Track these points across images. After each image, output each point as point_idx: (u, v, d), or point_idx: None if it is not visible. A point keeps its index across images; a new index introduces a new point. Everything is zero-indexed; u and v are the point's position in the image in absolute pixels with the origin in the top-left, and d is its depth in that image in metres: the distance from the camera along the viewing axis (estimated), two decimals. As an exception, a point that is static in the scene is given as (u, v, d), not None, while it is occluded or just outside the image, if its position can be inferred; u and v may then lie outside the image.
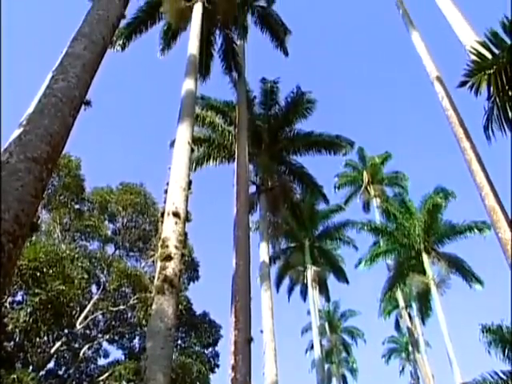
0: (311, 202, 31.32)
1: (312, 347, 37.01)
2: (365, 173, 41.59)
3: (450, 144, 16.67)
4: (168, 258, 10.24)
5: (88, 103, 7.93)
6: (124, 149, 72.68)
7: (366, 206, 42.42)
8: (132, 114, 71.81)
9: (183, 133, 13.74)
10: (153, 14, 22.67)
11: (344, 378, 53.11)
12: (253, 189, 24.34)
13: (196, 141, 23.31)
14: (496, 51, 6.99)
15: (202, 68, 21.97)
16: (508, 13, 6.94)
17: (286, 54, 25.28)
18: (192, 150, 14.23)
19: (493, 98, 7.25)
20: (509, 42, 6.90)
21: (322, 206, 33.22)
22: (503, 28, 6.87)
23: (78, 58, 7.75)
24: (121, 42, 22.61)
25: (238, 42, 24.10)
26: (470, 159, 14.82)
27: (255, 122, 25.56)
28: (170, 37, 23.50)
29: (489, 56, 7.05)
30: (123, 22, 14.54)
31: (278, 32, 24.54)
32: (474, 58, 7.25)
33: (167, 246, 10.53)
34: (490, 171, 14.41)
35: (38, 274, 19.62)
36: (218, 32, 23.48)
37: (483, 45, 7.11)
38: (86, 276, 23.18)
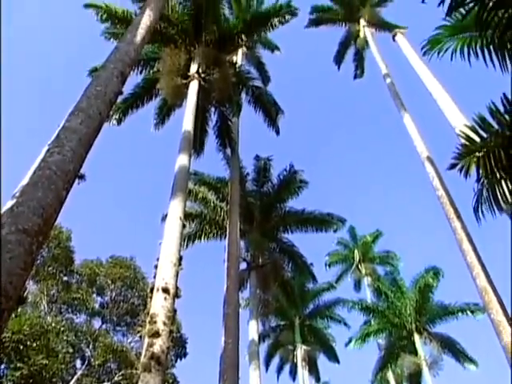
0: (302, 280, 31.06)
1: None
2: (356, 251, 41.56)
3: (442, 223, 16.83)
4: (156, 334, 10.06)
5: (82, 177, 8.02)
6: (116, 221, 72.57)
7: (358, 285, 42.13)
8: (125, 187, 72.19)
9: (175, 208, 13.82)
10: (149, 90, 23.19)
11: None
12: (243, 265, 24.29)
13: (188, 216, 23.43)
14: (484, 135, 7.18)
15: (196, 144, 22.34)
16: (494, 96, 7.21)
17: (278, 132, 25.76)
18: (184, 226, 14.29)
19: (482, 180, 7.37)
20: (496, 126, 7.08)
21: (313, 284, 32.93)
22: (490, 113, 7.08)
23: (74, 132, 7.86)
24: (117, 117, 23.03)
25: (233, 119, 24.63)
26: (460, 239, 14.91)
27: (247, 198, 25.80)
28: (165, 112, 24.00)
29: (477, 139, 7.22)
30: (120, 97, 14.85)
31: (270, 111, 25.06)
32: (463, 141, 7.42)
33: (155, 322, 10.37)
34: (481, 251, 14.50)
35: (22, 347, 19.17)
36: (213, 109, 24.00)
37: (472, 129, 7.31)
38: (70, 350, 22.71)
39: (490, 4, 6.63)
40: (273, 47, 30.99)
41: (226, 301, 18.27)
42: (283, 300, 30.46)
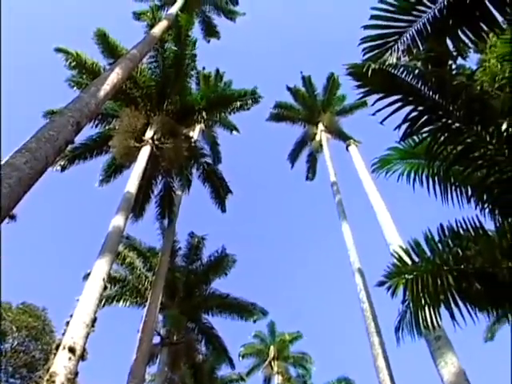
0: (213, 365, 30.21)
1: None
2: (272, 347, 40.97)
3: (362, 336, 16.93)
4: (51, 395, 9.47)
5: (13, 217, 7.75)
6: (35, 266, 69.55)
7: (267, 381, 41.18)
8: (56, 236, 69.69)
9: (100, 267, 13.47)
10: (101, 145, 23.12)
11: None
12: (157, 340, 23.50)
13: (111, 279, 22.79)
14: (416, 259, 7.37)
15: (136, 208, 22.13)
16: (432, 223, 7.52)
17: (224, 211, 25.93)
18: (105, 287, 13.88)
19: (407, 302, 7.48)
20: (428, 253, 7.29)
21: (224, 371, 32.01)
22: (425, 240, 7.31)
23: (16, 170, 7.69)
24: (62, 164, 22.66)
25: (178, 192, 24.64)
26: (376, 354, 15.01)
27: (174, 273, 25.46)
28: (113, 170, 23.84)
29: (409, 262, 7.40)
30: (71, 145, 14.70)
31: (219, 190, 25.28)
32: (395, 260, 7.59)
33: (53, 382, 9.79)
34: (394, 370, 14.59)
35: None
36: (160, 178, 24.01)
37: (405, 251, 7.51)
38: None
39: (442, 138, 6.96)
40: (232, 128, 31.63)
41: (132, 372, 17.52)
42: (190, 382, 29.40)
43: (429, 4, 6.70)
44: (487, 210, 7.41)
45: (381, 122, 6.83)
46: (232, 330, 39.62)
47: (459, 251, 7.26)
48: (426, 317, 7.41)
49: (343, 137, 31.68)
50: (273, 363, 40.36)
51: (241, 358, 40.55)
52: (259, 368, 41.13)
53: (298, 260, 71.45)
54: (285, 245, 71.52)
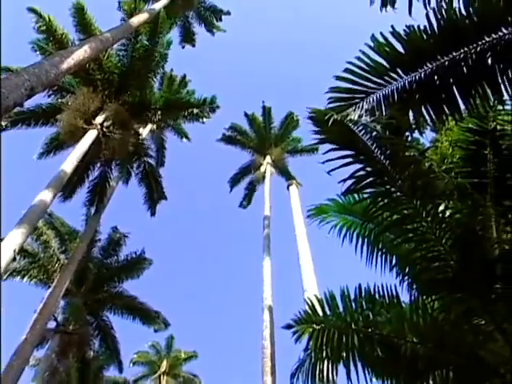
0: (102, 364, 29.38)
1: None
2: (165, 361, 40.33)
3: (255, 372, 16.86)
4: None
5: None
6: None
7: (154, 394, 40.37)
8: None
9: (14, 238, 13.03)
10: (49, 117, 22.50)
11: None
12: (52, 325, 22.69)
13: (22, 251, 22.00)
14: (328, 312, 7.45)
15: (66, 188, 21.59)
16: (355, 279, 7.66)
17: (153, 214, 25.71)
18: (14, 259, 13.41)
19: (309, 352, 7.54)
20: (341, 309, 7.39)
21: (111, 373, 31.13)
22: (341, 295, 7.45)
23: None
24: (4, 124, 21.84)
25: (112, 183, 24.18)
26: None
27: (88, 262, 24.83)
28: (54, 146, 23.22)
29: (320, 313, 7.47)
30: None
31: (153, 193, 25.01)
32: (307, 308, 7.65)
33: None
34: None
35: None
36: (98, 165, 23.54)
37: (319, 301, 7.58)
38: None
39: (381, 203, 7.11)
40: (183, 134, 31.39)
41: (17, 352, 16.79)
42: (74, 376, 28.44)
43: (401, 74, 6.87)
44: (406, 283, 7.60)
45: (328, 172, 6.90)
46: (130, 333, 38.90)
47: (370, 315, 7.41)
48: (323, 369, 7.47)
49: (287, 175, 32.07)
50: (162, 377, 39.69)
51: (131, 365, 39.70)
52: (147, 379, 40.38)
53: (213, 283, 70.82)
54: (206, 264, 70.88)
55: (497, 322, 6.77)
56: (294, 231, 21.86)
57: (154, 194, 25.18)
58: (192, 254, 72.12)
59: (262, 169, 31.75)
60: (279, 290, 22.47)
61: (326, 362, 7.47)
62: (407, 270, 7.62)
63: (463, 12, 6.49)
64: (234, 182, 33.90)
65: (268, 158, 32.27)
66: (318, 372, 7.51)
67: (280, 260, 31.54)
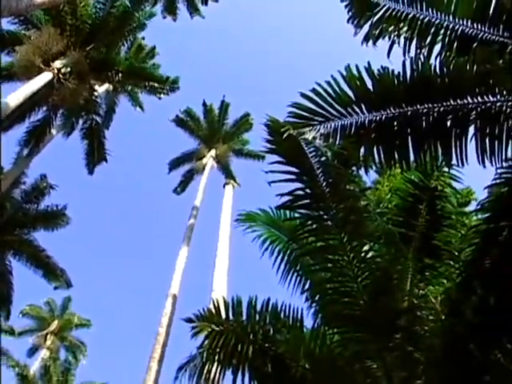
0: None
1: None
2: (56, 321, 39.29)
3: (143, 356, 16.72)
4: None
5: None
6: None
7: (34, 350, 39.02)
8: None
9: None
10: (6, 44, 21.64)
11: None
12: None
13: None
14: (231, 317, 7.47)
15: (4, 121, 20.79)
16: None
17: (91, 173, 25.15)
18: None
19: (201, 350, 7.51)
20: (244, 317, 7.43)
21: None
22: (248, 304, 7.49)
23: None
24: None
25: (53, 131, 23.49)
26: (147, 379, 14.90)
27: (5, 200, 23.90)
28: (4, 76, 22.33)
29: (223, 315, 7.47)
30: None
31: (94, 152, 24.42)
32: (211, 307, 7.65)
33: None
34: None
35: None
36: (44, 109, 22.84)
37: (225, 304, 7.61)
38: None
39: (310, 227, 7.21)
40: (138, 104, 30.78)
41: None
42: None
43: (364, 110, 6.97)
44: (313, 310, 7.71)
45: (269, 183, 6.94)
46: (28, 284, 37.78)
47: (271, 330, 7.47)
48: (211, 371, 7.47)
49: (227, 173, 32.03)
50: (49, 336, 38.64)
51: (20, 315, 38.46)
52: (32, 334, 39.22)
53: (126, 258, 69.41)
54: (126, 239, 69.53)
55: (387, 369, 6.98)
56: (218, 230, 21.86)
57: (95, 154, 24.59)
58: (114, 224, 70.83)
59: (204, 160, 31.56)
60: (188, 282, 22.32)
61: (215, 364, 7.46)
62: (317, 297, 7.74)
63: (437, 70, 6.69)
64: (174, 165, 33.49)
65: (213, 152, 32.12)
66: (205, 372, 7.49)
67: (197, 254, 31.37)
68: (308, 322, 7.69)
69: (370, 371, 7.25)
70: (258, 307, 7.54)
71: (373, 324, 7.00)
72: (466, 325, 6.57)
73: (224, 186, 27.76)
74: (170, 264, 21.19)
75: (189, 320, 7.56)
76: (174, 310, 18.02)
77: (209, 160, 31.33)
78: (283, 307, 7.54)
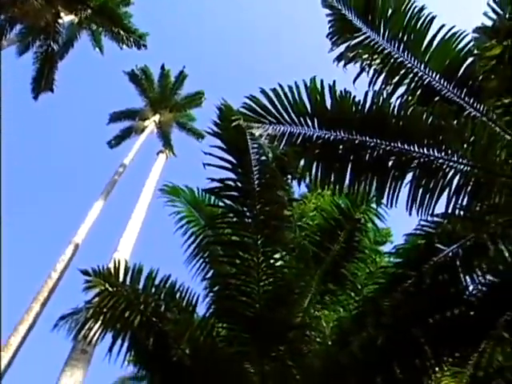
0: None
1: None
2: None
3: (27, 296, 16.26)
4: None
5: None
6: None
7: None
8: None
9: None
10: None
11: None
12: None
13: None
14: (127, 282, 7.40)
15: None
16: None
17: (35, 98, 24.24)
18: None
19: (89, 306, 7.33)
20: (140, 288, 7.35)
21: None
22: (148, 275, 7.40)
23: None
24: None
25: (3, 42, 22.43)
26: (24, 319, 14.57)
27: None
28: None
29: (120, 278, 7.37)
30: None
31: (42, 78, 23.48)
32: (111, 266, 7.53)
33: None
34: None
35: None
36: (2, 17, 21.78)
37: (126, 267, 7.56)
38: None
39: (229, 219, 7.26)
40: (98, 45, 29.71)
41: None
42: None
43: (316, 126, 6.98)
44: (209, 299, 7.71)
45: (204, 164, 6.89)
46: None
47: (162, 307, 7.42)
48: (91, 329, 7.31)
49: (165, 141, 31.52)
50: None
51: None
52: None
53: (43, 189, 67.38)
54: (51, 173, 67.26)
55: (263, 377, 7.13)
56: (139, 194, 21.57)
57: (43, 81, 23.61)
58: (35, 156, 68.44)
59: (147, 123, 30.92)
60: (95, 237, 21.87)
61: (99, 324, 7.32)
62: (216, 288, 7.75)
63: (395, 111, 6.85)
64: (115, 118, 32.53)
65: (157, 117, 31.50)
66: (86, 328, 7.33)
67: (111, 212, 30.69)
68: (201, 310, 7.70)
69: (247, 374, 7.34)
70: (157, 281, 7.46)
71: (262, 330, 7.10)
72: (350, 357, 6.79)
73: (158, 154, 27.35)
74: (82, 214, 20.69)
75: (85, 272, 7.36)
76: (72, 259, 17.61)
77: (151, 124, 30.75)
78: (181, 288, 7.50)
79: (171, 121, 32.51)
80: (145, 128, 30.36)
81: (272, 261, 7.26)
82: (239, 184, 7.14)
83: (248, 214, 7.21)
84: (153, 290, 7.44)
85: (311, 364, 7.26)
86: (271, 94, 7.01)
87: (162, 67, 32.48)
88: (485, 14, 4.92)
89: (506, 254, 6.61)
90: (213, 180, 7.04)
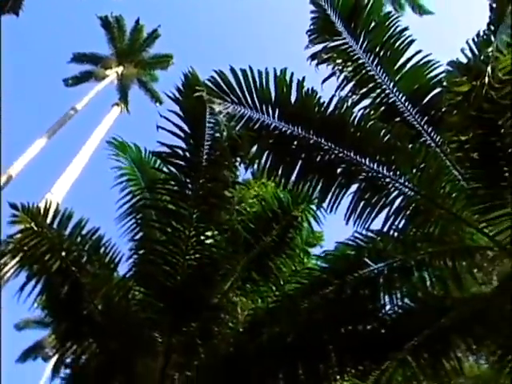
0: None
1: None
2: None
3: None
4: None
5: None
6: None
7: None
8: None
9: None
10: None
11: None
12: None
13: None
14: (55, 226, 7.25)
15: None
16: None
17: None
18: None
19: (12, 241, 7.14)
20: (67, 232, 7.24)
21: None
22: (75, 226, 7.32)
23: None
24: None
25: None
26: None
27: None
28: None
29: (48, 221, 7.20)
30: None
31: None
32: (41, 206, 7.35)
33: None
34: None
35: None
36: None
37: (56, 209, 7.39)
38: None
39: (170, 187, 7.26)
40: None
41: None
42: None
43: (276, 117, 7.01)
44: (132, 260, 7.65)
45: (157, 127, 6.82)
46: None
47: (85, 257, 7.31)
48: (6, 265, 7.16)
49: (122, 95, 30.91)
50: None
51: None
52: None
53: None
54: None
55: (167, 348, 7.18)
56: (85, 140, 21.09)
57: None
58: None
59: (108, 72, 30.21)
60: (31, 174, 21.30)
61: (15, 260, 7.14)
62: (142, 251, 7.68)
63: (355, 121, 7.02)
64: (78, 58, 31.56)
65: (120, 69, 30.83)
66: (1, 262, 7.15)
67: (53, 153, 29.80)
68: (122, 270, 7.64)
69: (153, 343, 7.37)
70: (84, 231, 7.35)
71: (178, 303, 7.11)
72: (258, 347, 6.89)
73: (113, 106, 26.79)
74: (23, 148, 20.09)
75: (13, 206, 7.15)
76: (1, 190, 17.09)
77: (113, 74, 30.04)
78: (107, 244, 7.42)
79: (133, 76, 31.87)
80: (105, 77, 29.66)
81: (203, 237, 7.27)
82: (188, 155, 7.10)
83: (190, 186, 7.18)
84: (78, 238, 7.32)
85: (218, 346, 7.34)
86: (240, 75, 6.97)
87: (137, 21, 31.80)
88: (462, 50, 5.03)
89: (428, 283, 6.87)
90: (162, 144, 6.99)
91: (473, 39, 4.99)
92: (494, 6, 5.15)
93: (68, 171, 18.15)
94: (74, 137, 28.52)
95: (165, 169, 7.55)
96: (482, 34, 4.95)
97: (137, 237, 7.86)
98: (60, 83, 31.43)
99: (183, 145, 7.04)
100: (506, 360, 6.49)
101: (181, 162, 7.15)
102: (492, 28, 4.88)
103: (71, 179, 17.92)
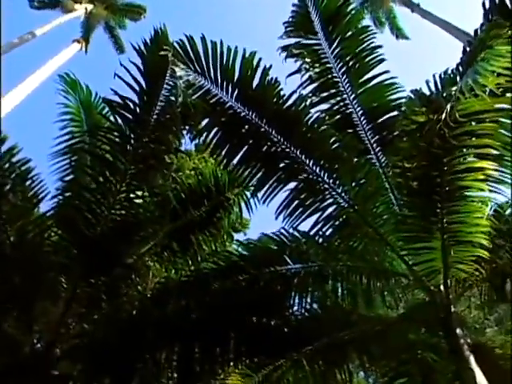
0: None
1: None
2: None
3: None
4: None
5: None
6: None
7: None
8: None
9: None
10: None
11: None
12: None
13: None
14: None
15: None
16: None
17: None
18: None
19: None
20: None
21: None
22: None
23: None
24: None
25: None
26: None
27: None
28: None
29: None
30: None
31: None
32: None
33: None
34: None
35: None
36: None
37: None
38: None
39: (106, 142, 7.05)
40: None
41: None
42: None
43: (233, 97, 7.04)
44: (56, 201, 7.47)
45: (114, 75, 6.67)
46: None
47: (6, 185, 7.13)
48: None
49: (85, 33, 29.80)
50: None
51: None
52: None
53: None
54: None
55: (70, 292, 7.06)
56: (34, 70, 20.21)
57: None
58: None
59: (77, 6, 29.07)
60: None
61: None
62: (68, 194, 7.46)
63: (309, 122, 7.12)
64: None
65: (90, 7, 29.74)
66: None
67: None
68: (44, 208, 7.45)
69: (58, 288, 7.21)
70: (15, 159, 7.19)
71: (92, 253, 6.95)
72: (161, 316, 6.90)
73: (73, 41, 25.82)
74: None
75: None
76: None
77: (81, 9, 28.97)
78: (34, 178, 7.24)
79: (102, 17, 30.76)
80: (73, 10, 28.55)
81: (132, 195, 7.15)
82: (138, 110, 6.97)
83: (132, 141, 7.02)
84: (7, 165, 7.09)
85: (122, 306, 7.29)
86: (209, 46, 6.91)
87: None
88: (427, 82, 5.13)
89: (339, 295, 7.09)
90: (115, 93, 6.83)
91: (440, 75, 5.11)
92: (468, 49, 5.30)
93: (11, 95, 17.40)
94: (26, 63, 27.32)
95: (111, 118, 7.36)
96: (449, 72, 5.07)
97: (67, 178, 7.65)
98: (25, 2, 30.02)
99: (136, 99, 6.90)
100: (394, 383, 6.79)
101: (129, 116, 6.98)
102: (461, 69, 5.01)
103: (13, 104, 17.17)
